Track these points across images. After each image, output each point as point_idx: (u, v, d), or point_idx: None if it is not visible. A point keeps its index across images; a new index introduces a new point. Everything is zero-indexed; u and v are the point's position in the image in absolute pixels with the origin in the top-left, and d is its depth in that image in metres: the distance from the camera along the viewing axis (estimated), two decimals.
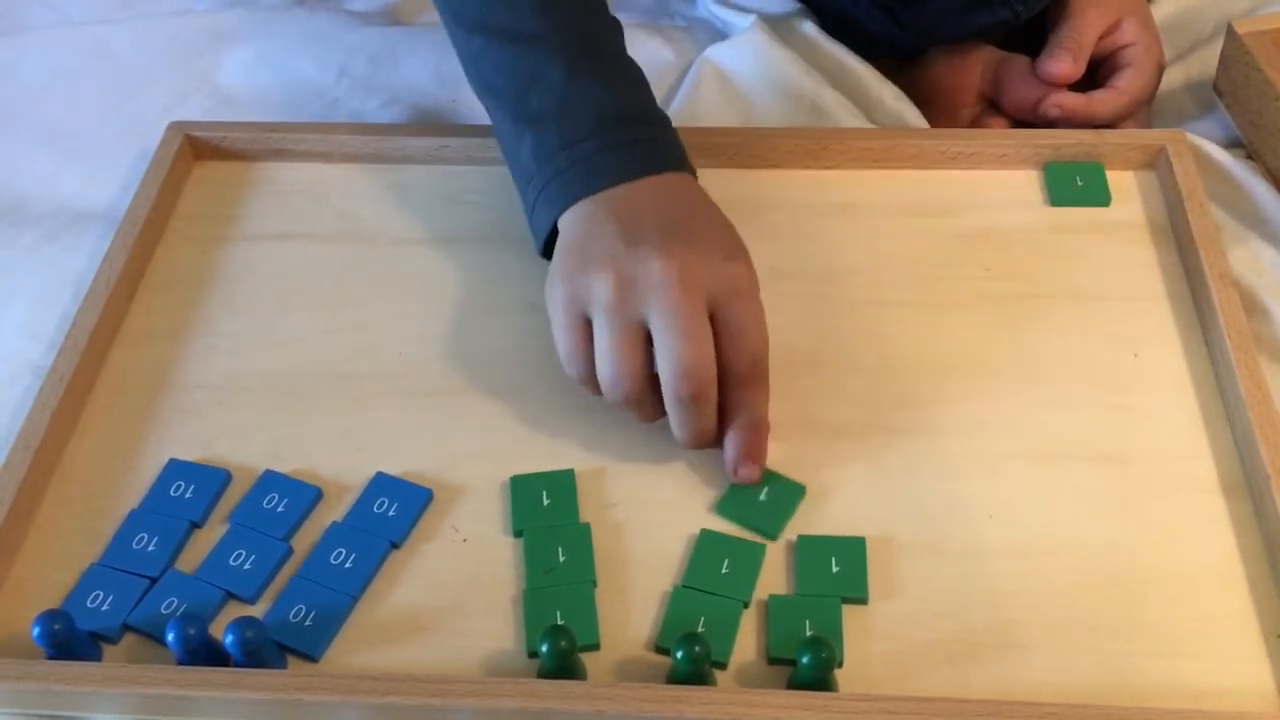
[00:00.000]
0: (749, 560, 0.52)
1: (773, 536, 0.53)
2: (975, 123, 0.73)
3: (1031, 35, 0.72)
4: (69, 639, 0.49)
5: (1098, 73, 0.71)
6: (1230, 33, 0.71)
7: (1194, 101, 0.75)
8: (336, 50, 0.78)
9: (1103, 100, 0.69)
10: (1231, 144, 0.71)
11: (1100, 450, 0.56)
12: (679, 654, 0.47)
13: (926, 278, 0.63)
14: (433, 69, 0.77)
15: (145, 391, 0.60)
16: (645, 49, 0.77)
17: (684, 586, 0.52)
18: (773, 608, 0.51)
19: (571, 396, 0.58)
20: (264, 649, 0.49)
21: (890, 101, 0.72)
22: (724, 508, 0.54)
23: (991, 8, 0.70)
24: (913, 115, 0.71)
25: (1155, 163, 0.68)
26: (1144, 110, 0.72)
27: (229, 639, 0.48)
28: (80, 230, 0.69)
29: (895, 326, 0.61)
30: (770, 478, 0.55)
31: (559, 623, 0.49)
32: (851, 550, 0.52)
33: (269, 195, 0.69)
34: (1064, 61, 0.68)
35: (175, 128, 0.70)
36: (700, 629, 0.50)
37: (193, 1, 0.84)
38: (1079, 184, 0.67)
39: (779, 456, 0.56)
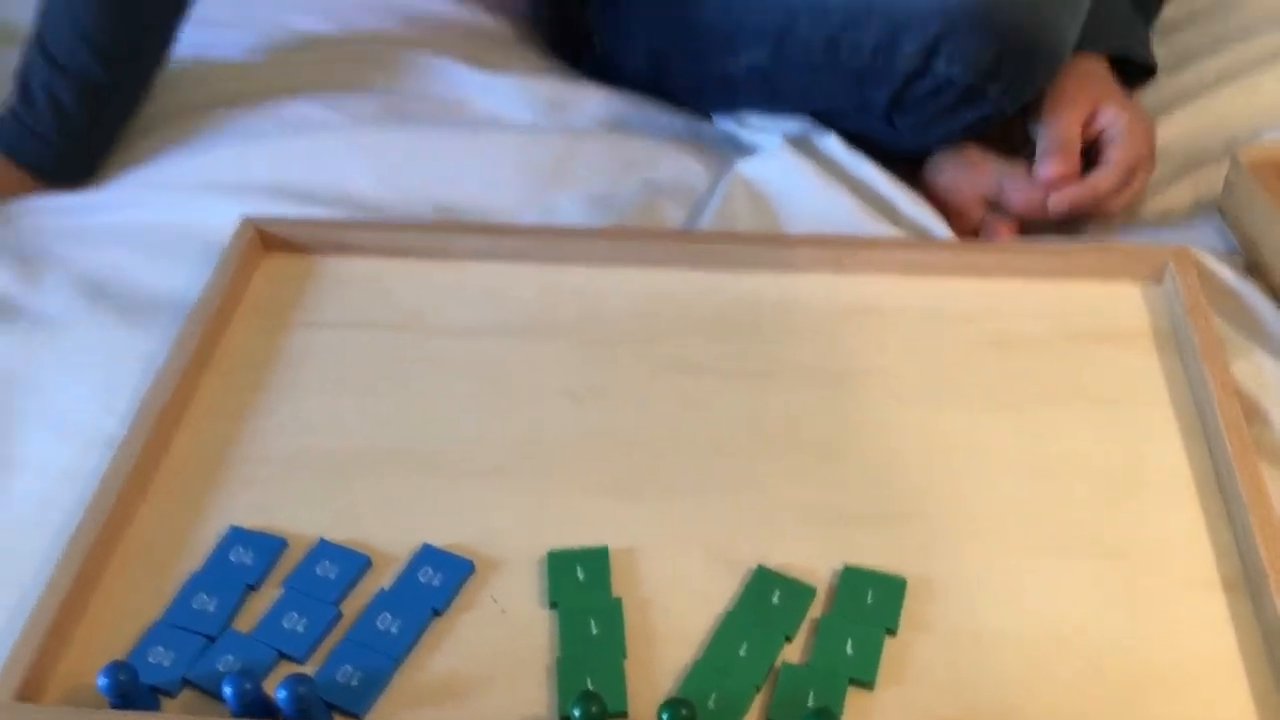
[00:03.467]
0: (768, 645, 0.55)
1: (789, 636, 0.56)
2: (984, 225, 0.78)
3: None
4: (131, 690, 0.53)
5: (1089, 155, 0.77)
6: (1234, 161, 0.76)
7: (1203, 216, 0.79)
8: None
9: (1103, 178, 0.75)
10: (1237, 255, 0.75)
11: (1106, 545, 0.59)
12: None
13: (942, 379, 0.67)
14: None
15: (210, 464, 0.64)
16: (679, 163, 0.83)
17: (702, 662, 0.55)
18: (783, 676, 0.54)
19: (607, 478, 0.62)
20: (313, 706, 0.52)
21: (906, 207, 0.77)
22: (739, 611, 0.57)
23: (977, 105, 0.75)
24: (932, 219, 0.77)
25: (1162, 276, 0.72)
26: (1143, 173, 0.77)
27: (282, 694, 0.51)
28: (153, 313, 0.74)
29: (911, 422, 0.65)
30: (781, 581, 0.58)
31: (590, 688, 0.53)
32: (869, 636, 0.55)
33: (330, 286, 0.74)
34: (1056, 165, 0.74)
35: (247, 222, 0.75)
36: (711, 705, 0.53)
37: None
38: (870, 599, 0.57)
39: (797, 542, 0.59)
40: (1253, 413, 0.65)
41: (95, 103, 0.83)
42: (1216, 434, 0.62)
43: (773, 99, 0.84)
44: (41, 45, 0.80)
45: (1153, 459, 0.63)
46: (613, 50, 0.90)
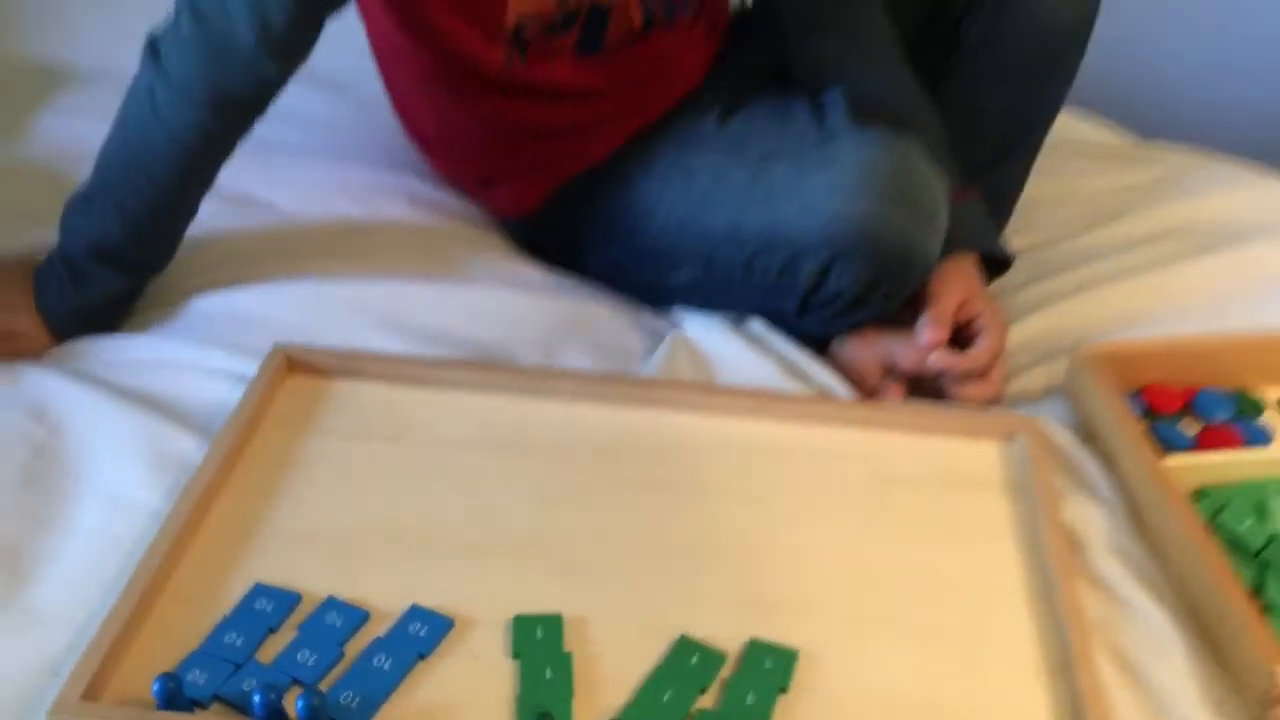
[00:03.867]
0: (686, 694, 0.70)
1: (703, 689, 0.71)
2: (879, 388, 0.96)
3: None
4: (176, 698, 0.66)
5: (960, 334, 0.97)
6: (1075, 355, 0.96)
7: (1053, 398, 0.98)
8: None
9: (973, 358, 0.95)
10: (1076, 427, 0.94)
11: (956, 636, 0.75)
12: None
13: (835, 504, 0.84)
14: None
15: (240, 534, 0.78)
16: (617, 327, 1.02)
17: (633, 705, 0.69)
18: (697, 719, 0.69)
19: (564, 562, 0.78)
20: (322, 718, 0.65)
21: (815, 372, 0.95)
22: (664, 668, 0.71)
23: (865, 307, 0.95)
24: (835, 382, 0.95)
25: (1014, 438, 0.90)
26: (1001, 360, 0.97)
27: (300, 704, 0.65)
28: (192, 416, 0.89)
29: (809, 534, 0.81)
30: (699, 647, 0.72)
31: (545, 711, 0.67)
32: (766, 693, 0.70)
33: (342, 404, 0.90)
34: (934, 332, 0.94)
35: (277, 349, 0.91)
36: None
37: None
38: (768, 664, 0.72)
39: (713, 618, 0.74)
40: (1078, 545, 0.82)
41: (136, 283, 0.98)
42: (1046, 557, 0.79)
43: (708, 304, 1.03)
44: (95, 245, 0.93)
45: (997, 574, 0.80)
46: (571, 263, 1.10)
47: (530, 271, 1.09)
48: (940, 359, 0.94)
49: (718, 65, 1.11)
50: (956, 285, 0.98)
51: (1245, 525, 0.82)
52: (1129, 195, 1.22)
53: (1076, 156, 1.29)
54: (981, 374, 0.96)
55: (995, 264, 1.04)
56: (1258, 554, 0.80)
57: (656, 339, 1.01)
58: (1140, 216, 1.18)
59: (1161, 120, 1.49)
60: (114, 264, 0.95)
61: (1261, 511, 0.83)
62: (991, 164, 1.07)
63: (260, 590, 0.74)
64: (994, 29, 1.03)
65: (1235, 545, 0.81)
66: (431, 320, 1.00)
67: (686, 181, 0.99)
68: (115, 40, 1.28)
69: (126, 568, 0.75)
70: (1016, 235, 1.15)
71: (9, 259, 1.01)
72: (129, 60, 0.93)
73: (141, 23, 0.93)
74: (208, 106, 0.89)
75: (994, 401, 0.96)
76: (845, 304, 0.95)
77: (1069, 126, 1.34)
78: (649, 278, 1.05)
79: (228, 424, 0.85)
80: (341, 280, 1.04)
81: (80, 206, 0.95)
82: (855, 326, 0.99)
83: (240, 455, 0.84)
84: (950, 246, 0.97)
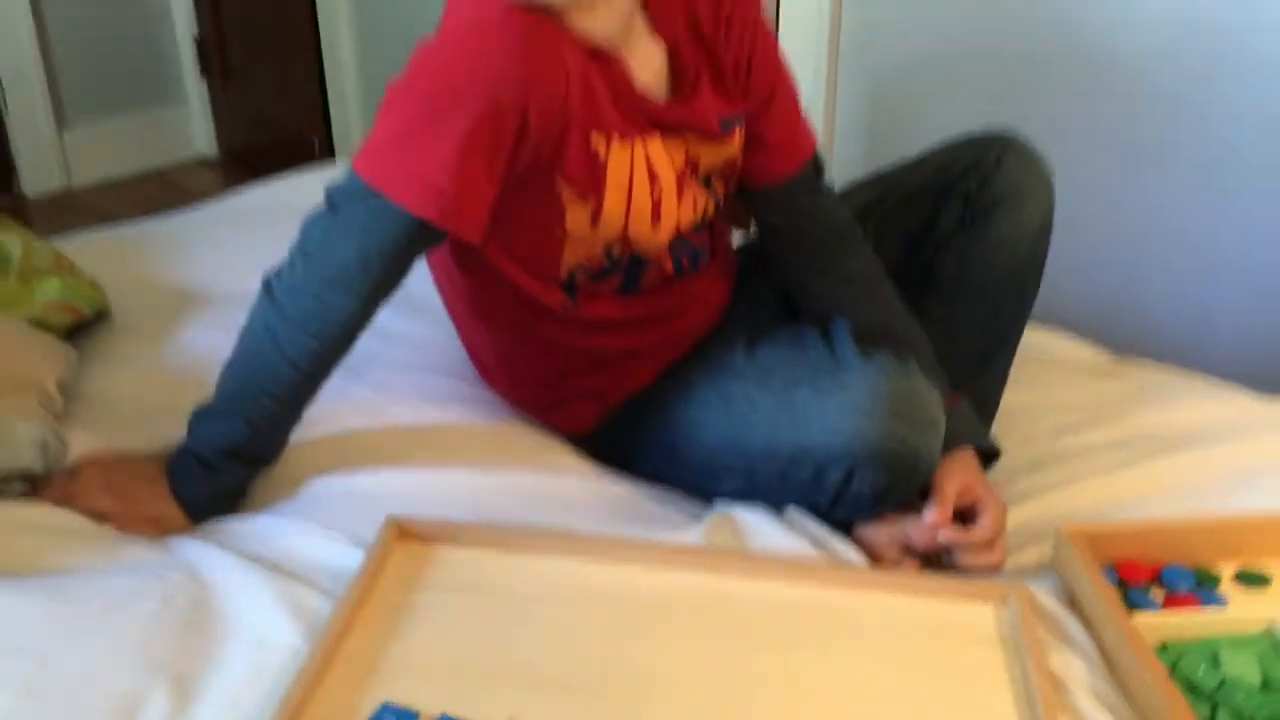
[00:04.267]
0: None
1: None
2: (897, 563, 1.14)
3: None
4: None
5: (965, 515, 1.15)
6: (1059, 533, 1.13)
7: (1044, 571, 1.15)
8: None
9: (976, 532, 1.13)
10: (1062, 595, 1.10)
11: None
12: None
13: (858, 651, 1.00)
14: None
15: (366, 667, 0.95)
16: (677, 518, 1.20)
17: None
18: None
19: (630, 689, 0.94)
20: None
21: (840, 547, 1.13)
22: None
23: (882, 503, 1.14)
24: (856, 555, 1.13)
25: (1007, 601, 1.07)
26: (1001, 537, 1.14)
27: None
28: (317, 575, 1.07)
29: (835, 671, 0.97)
30: None
31: None
32: None
33: (444, 565, 1.08)
34: (938, 513, 1.13)
35: (391, 521, 1.10)
36: None
37: None
38: None
39: None
40: (1061, 687, 0.98)
41: (255, 473, 1.17)
42: (1033, 696, 0.95)
43: (748, 501, 1.21)
44: (224, 448, 1.12)
45: (992, 708, 0.95)
46: (624, 471, 1.29)
47: (587, 467, 1.29)
48: (949, 533, 1.12)
49: (734, 299, 1.34)
50: (957, 474, 1.17)
51: (1200, 672, 0.97)
52: (1106, 404, 1.42)
53: (1059, 371, 1.50)
54: (985, 546, 1.14)
55: (987, 455, 1.23)
56: (1210, 695, 0.96)
57: (700, 520, 1.19)
58: (1115, 422, 1.37)
59: (1134, 341, 1.71)
60: (240, 460, 1.15)
61: (1214, 661, 0.99)
62: (974, 371, 1.27)
63: (386, 709, 0.91)
64: (964, 261, 1.26)
65: (1191, 688, 0.97)
66: (503, 502, 1.19)
67: (724, 407, 1.18)
68: (238, 269, 1.55)
69: (274, 692, 0.92)
70: (1009, 436, 1.35)
71: (147, 456, 1.19)
72: (248, 286, 1.16)
73: (256, 252, 1.16)
74: (318, 336, 1.10)
75: (997, 570, 1.13)
76: (867, 501, 1.13)
77: (1052, 345, 1.56)
78: (694, 487, 1.24)
79: (353, 579, 1.03)
80: (426, 469, 1.24)
81: (210, 415, 1.15)
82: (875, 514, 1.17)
83: (363, 604, 1.02)
84: (949, 444, 1.16)
